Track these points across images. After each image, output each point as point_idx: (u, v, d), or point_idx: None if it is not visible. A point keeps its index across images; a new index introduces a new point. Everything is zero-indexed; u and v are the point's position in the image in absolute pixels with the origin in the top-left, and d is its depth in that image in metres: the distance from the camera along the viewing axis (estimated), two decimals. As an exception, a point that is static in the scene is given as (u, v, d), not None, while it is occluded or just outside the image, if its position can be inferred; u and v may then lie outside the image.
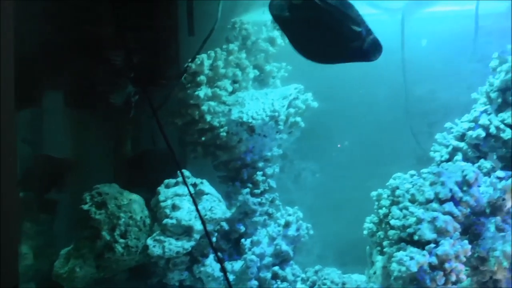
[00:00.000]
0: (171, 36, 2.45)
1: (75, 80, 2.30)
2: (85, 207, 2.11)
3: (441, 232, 1.95)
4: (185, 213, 2.12)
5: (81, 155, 2.42)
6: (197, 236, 2.11)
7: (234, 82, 2.39)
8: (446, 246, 1.91)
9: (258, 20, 2.52)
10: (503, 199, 2.02)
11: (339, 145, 2.74)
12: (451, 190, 2.00)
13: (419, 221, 1.98)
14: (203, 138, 2.34)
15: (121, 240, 2.08)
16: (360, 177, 2.59)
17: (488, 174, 2.19)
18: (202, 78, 2.29)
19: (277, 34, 2.48)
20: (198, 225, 2.09)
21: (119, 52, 2.16)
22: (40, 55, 2.21)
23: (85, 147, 2.44)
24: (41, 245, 2.25)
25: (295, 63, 2.50)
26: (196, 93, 2.28)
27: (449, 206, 1.98)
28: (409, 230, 2.00)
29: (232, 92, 2.39)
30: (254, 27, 2.49)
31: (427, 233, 1.96)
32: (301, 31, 1.64)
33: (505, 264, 1.96)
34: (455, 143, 2.30)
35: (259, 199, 2.32)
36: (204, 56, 2.30)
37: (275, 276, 2.23)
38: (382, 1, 2.75)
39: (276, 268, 2.23)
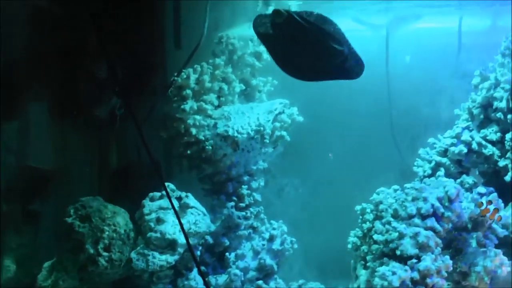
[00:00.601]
0: (157, 49, 2.46)
1: (60, 92, 2.30)
2: (69, 220, 2.10)
3: (423, 247, 1.96)
4: (170, 226, 2.12)
5: (66, 167, 2.42)
6: (181, 249, 2.11)
7: (220, 96, 2.41)
8: (428, 261, 1.93)
9: (245, 35, 2.55)
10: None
11: (330, 155, 2.76)
12: (433, 205, 2.02)
13: (402, 236, 2.00)
14: (188, 152, 2.35)
15: (105, 253, 2.07)
16: (344, 191, 2.61)
17: (470, 189, 2.22)
18: (188, 92, 2.30)
19: (263, 49, 2.50)
20: (182, 239, 2.09)
21: (104, 65, 2.16)
22: (24, 66, 2.21)
23: (69, 159, 2.43)
24: (24, 258, 2.23)
25: (281, 78, 2.53)
26: (182, 106, 2.29)
27: (431, 222, 2.01)
28: (392, 245, 2.01)
29: (218, 106, 2.41)
30: (241, 42, 2.51)
31: (409, 248, 1.97)
32: (284, 49, 1.65)
33: (486, 279, 1.99)
34: (438, 158, 2.34)
35: (244, 213, 2.33)
36: (190, 70, 2.32)
37: (259, 290, 2.24)
38: (367, 17, 2.80)
39: (260, 282, 2.23)
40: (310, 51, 1.64)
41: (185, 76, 2.30)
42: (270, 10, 2.39)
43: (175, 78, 2.31)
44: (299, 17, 1.62)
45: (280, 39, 1.66)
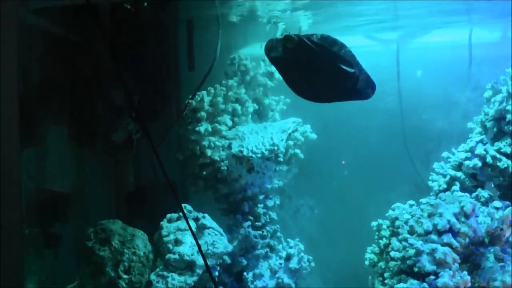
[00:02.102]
0: (172, 73, 2.51)
1: (79, 118, 2.36)
2: (89, 243, 2.14)
3: (441, 264, 1.97)
4: (188, 247, 2.14)
5: (85, 190, 2.46)
6: (199, 271, 2.13)
7: (234, 116, 2.44)
8: (446, 278, 1.94)
9: (256, 54, 2.58)
10: (501, 229, 2.05)
11: (343, 162, 2.77)
12: (449, 221, 2.03)
13: (419, 252, 2.00)
14: (204, 172, 2.38)
15: (125, 276, 2.10)
16: (359, 207, 2.62)
17: (486, 203, 2.22)
18: (202, 114, 2.34)
19: (274, 68, 2.53)
20: (200, 260, 2.11)
21: (120, 91, 2.21)
22: (43, 94, 2.26)
23: (88, 182, 2.48)
24: (45, 281, 2.26)
25: (293, 96, 2.54)
26: (197, 128, 2.32)
27: (447, 238, 2.01)
28: (409, 262, 2.02)
29: (232, 126, 2.44)
30: (252, 62, 2.55)
31: (427, 265, 1.98)
32: (297, 73, 1.69)
33: (505, 294, 1.98)
34: (453, 172, 2.34)
35: (260, 232, 2.35)
36: (204, 93, 2.36)
37: (277, 310, 2.25)
38: (377, 33, 2.82)
39: (278, 301, 2.25)
40: (321, 74, 1.67)
41: (199, 99, 2.34)
42: (280, 29, 2.44)
43: (190, 101, 2.35)
44: (310, 41, 1.65)
45: (292, 63, 1.70)
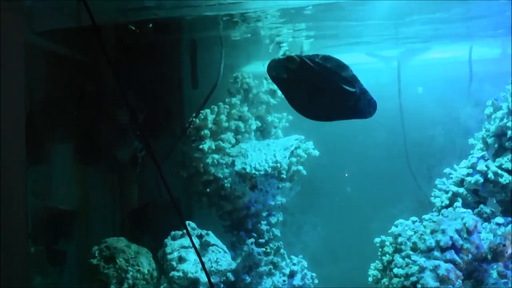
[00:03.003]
0: (176, 92, 2.55)
1: (84, 136, 2.39)
2: (94, 261, 2.15)
3: (444, 280, 1.97)
4: (191, 265, 2.16)
5: (89, 207, 2.48)
6: (203, 288, 2.14)
7: (237, 134, 2.47)
8: (449, 295, 1.94)
9: (259, 73, 2.62)
10: (504, 245, 2.05)
11: (346, 174, 2.78)
12: (451, 238, 2.03)
13: (422, 269, 2.01)
14: (207, 189, 2.40)
15: (129, 294, 2.11)
16: (362, 223, 2.63)
17: (488, 219, 2.22)
18: (206, 132, 2.37)
19: (277, 86, 2.56)
20: (204, 277, 2.12)
21: (125, 110, 2.25)
22: (48, 113, 2.30)
23: (93, 199, 2.50)
24: (50, 299, 2.27)
25: (296, 113, 2.57)
26: (200, 146, 2.35)
27: (450, 254, 2.01)
28: (412, 279, 2.02)
29: (235, 143, 2.46)
30: (255, 80, 2.58)
31: (430, 282, 1.98)
32: (299, 92, 1.71)
33: (509, 311, 1.98)
34: (455, 189, 2.34)
35: (263, 249, 2.36)
36: (207, 111, 2.39)
37: (281, 327, 2.25)
38: (378, 50, 2.86)
39: (282, 318, 2.25)
40: (323, 94, 1.70)
41: (202, 117, 2.37)
42: (282, 50, 2.48)
43: (193, 119, 2.38)
44: (311, 62, 1.68)
45: (294, 83, 1.72)
